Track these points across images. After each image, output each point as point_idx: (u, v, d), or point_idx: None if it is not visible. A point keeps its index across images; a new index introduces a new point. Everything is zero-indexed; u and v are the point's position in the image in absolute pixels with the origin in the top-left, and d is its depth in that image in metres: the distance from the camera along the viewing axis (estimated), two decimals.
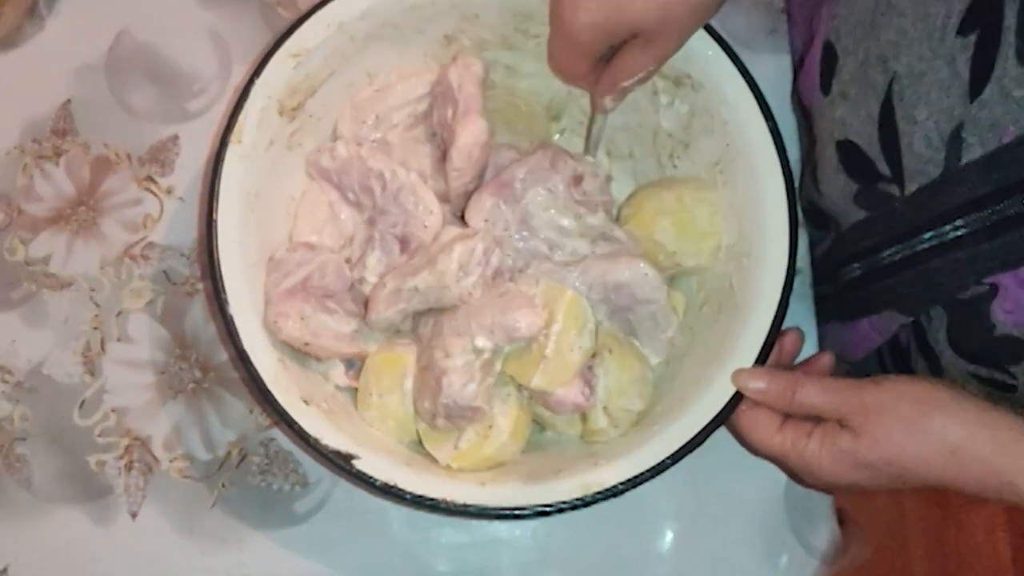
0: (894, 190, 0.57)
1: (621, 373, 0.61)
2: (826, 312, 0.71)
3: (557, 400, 0.59)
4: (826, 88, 0.61)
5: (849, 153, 0.59)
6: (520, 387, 0.61)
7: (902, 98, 0.53)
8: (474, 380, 0.57)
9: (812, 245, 0.73)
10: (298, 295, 0.61)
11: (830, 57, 0.60)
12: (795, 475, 0.59)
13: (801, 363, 0.63)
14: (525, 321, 0.57)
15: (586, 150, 0.67)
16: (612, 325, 0.63)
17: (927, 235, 0.56)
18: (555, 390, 0.58)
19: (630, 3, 0.53)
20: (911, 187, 0.55)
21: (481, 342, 0.57)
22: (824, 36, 0.61)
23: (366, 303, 0.63)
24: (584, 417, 0.62)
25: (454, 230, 0.61)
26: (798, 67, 0.74)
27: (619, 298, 0.61)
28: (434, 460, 0.61)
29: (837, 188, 0.62)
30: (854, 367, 0.73)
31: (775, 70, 0.75)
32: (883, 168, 0.56)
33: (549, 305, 0.58)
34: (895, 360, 0.67)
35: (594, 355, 0.60)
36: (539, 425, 0.64)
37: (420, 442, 0.62)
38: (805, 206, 0.71)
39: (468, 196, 0.64)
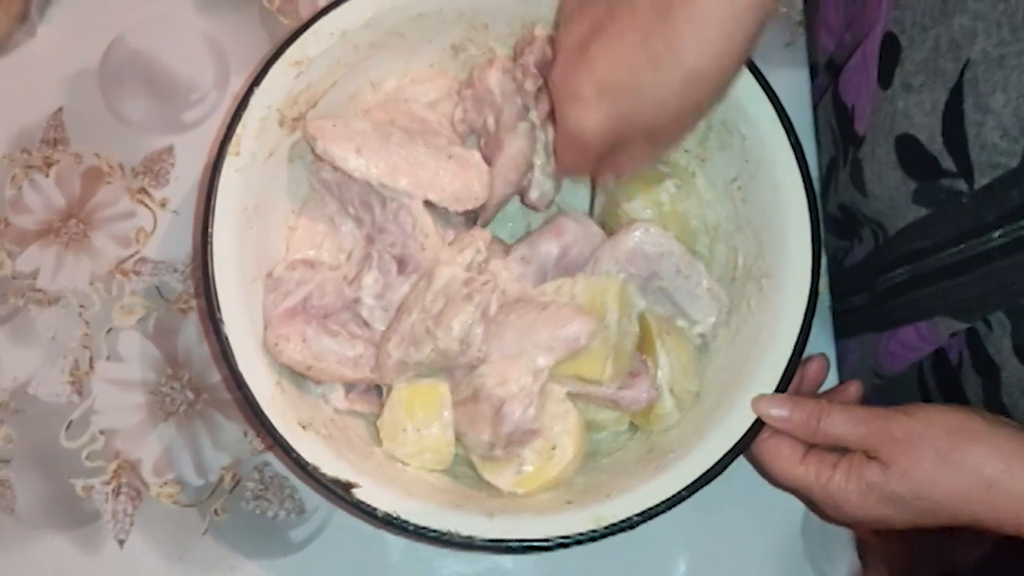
0: (960, 185, 0.54)
1: (681, 353, 0.61)
2: (853, 325, 0.69)
3: (631, 400, 0.59)
4: (886, 81, 0.58)
5: (909, 149, 0.56)
6: (575, 401, 0.60)
7: (975, 85, 0.50)
8: (533, 403, 0.57)
9: (833, 259, 0.70)
10: (299, 316, 0.58)
11: (892, 48, 0.57)
12: (818, 509, 0.56)
13: (824, 393, 0.61)
14: (584, 329, 0.56)
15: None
16: (654, 307, 0.63)
17: (996, 233, 0.52)
18: (624, 392, 0.59)
19: (638, 113, 0.51)
20: (981, 180, 0.52)
21: (543, 360, 0.57)
22: (884, 27, 0.58)
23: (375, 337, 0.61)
24: (648, 409, 0.60)
25: (445, 274, 0.58)
26: (838, 66, 0.71)
27: (639, 268, 0.61)
28: (479, 486, 0.59)
29: (891, 187, 0.59)
30: (888, 383, 0.70)
31: (793, 84, 0.72)
32: (946, 163, 0.54)
33: (596, 299, 0.58)
34: (939, 381, 0.64)
35: (652, 344, 0.60)
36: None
37: (448, 471, 0.61)
38: (832, 213, 0.69)
39: (501, 205, 0.64)
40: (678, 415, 0.60)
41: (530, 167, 0.63)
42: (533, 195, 0.64)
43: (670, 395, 0.60)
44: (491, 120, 0.62)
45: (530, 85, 0.63)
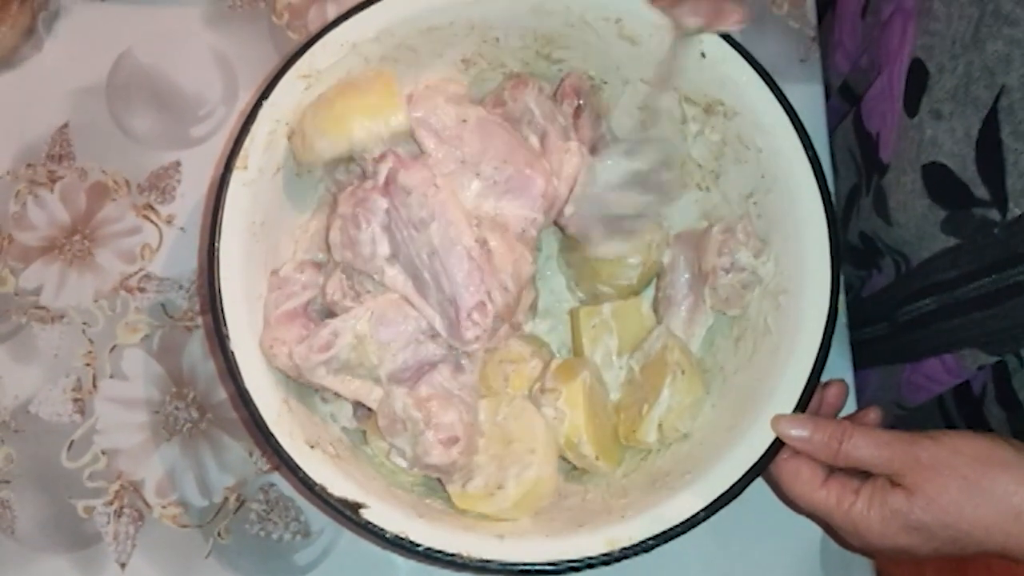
0: (993, 215, 0.53)
1: (685, 396, 0.59)
2: (872, 355, 0.67)
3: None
4: (912, 109, 0.57)
5: (938, 177, 0.55)
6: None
7: (1012, 112, 0.49)
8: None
9: (849, 288, 0.69)
10: (298, 320, 0.57)
11: (919, 75, 0.56)
12: (838, 535, 0.55)
13: (844, 417, 0.59)
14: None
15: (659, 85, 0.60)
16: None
17: None
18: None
19: None
20: (1015, 210, 0.51)
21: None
22: (910, 54, 0.57)
23: None
24: (634, 426, 0.59)
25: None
26: (857, 92, 0.70)
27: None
28: (445, 506, 0.58)
29: (918, 216, 0.58)
30: (909, 415, 0.68)
31: (807, 100, 0.72)
32: (980, 191, 0.53)
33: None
34: (962, 412, 0.62)
35: (663, 377, 0.59)
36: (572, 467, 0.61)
37: (425, 483, 0.59)
38: (851, 242, 0.67)
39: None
40: (659, 446, 0.60)
41: None
42: (568, 210, 0.62)
43: (657, 429, 0.59)
44: (533, 139, 0.61)
45: (567, 107, 0.63)
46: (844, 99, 0.75)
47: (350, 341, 0.55)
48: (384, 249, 0.56)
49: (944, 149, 0.54)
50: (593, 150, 0.63)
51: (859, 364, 0.67)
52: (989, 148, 0.51)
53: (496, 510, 0.56)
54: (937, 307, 0.60)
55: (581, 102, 0.63)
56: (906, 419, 0.69)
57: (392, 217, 0.56)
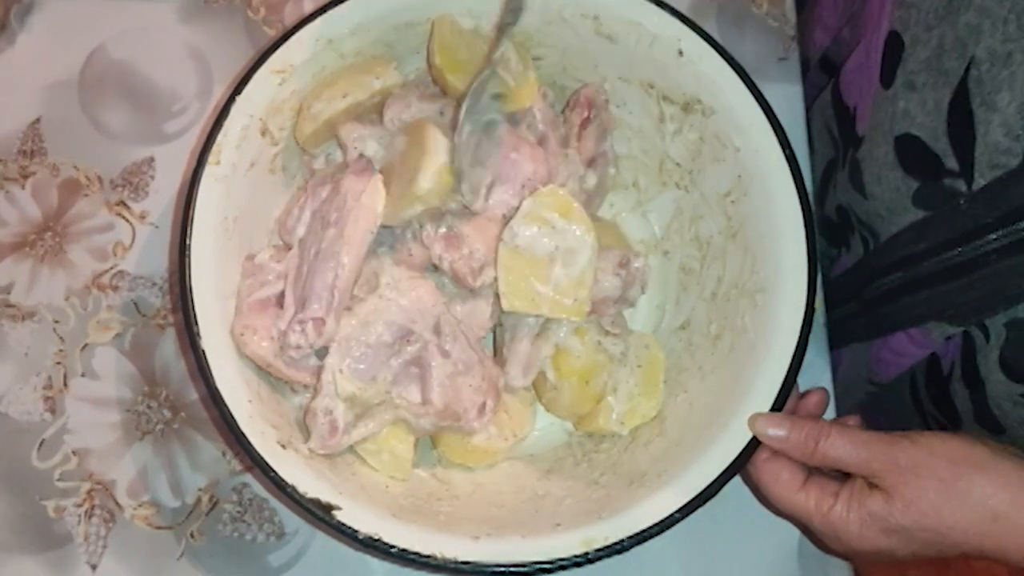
0: (960, 185, 0.53)
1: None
2: (846, 334, 0.67)
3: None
4: (887, 80, 0.57)
5: (910, 148, 0.55)
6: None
7: (980, 83, 0.49)
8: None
9: (824, 268, 0.69)
10: (270, 309, 0.57)
11: (895, 47, 0.56)
12: (817, 538, 0.54)
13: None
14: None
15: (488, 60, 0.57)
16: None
17: (994, 235, 0.51)
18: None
19: None
20: (981, 181, 0.51)
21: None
22: (888, 26, 0.57)
23: None
24: (598, 418, 0.61)
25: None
26: (836, 65, 0.70)
27: None
28: (425, 509, 0.57)
29: (891, 188, 0.58)
30: (881, 391, 0.68)
31: (785, 98, 0.72)
32: (950, 163, 0.53)
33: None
34: (932, 391, 0.62)
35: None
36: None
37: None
38: (828, 216, 0.67)
39: None
40: (624, 434, 0.61)
41: None
42: None
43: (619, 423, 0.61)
44: (531, 141, 0.61)
45: (576, 117, 0.63)
46: (824, 72, 0.75)
47: (345, 405, 0.55)
48: (301, 231, 0.58)
49: (916, 121, 0.54)
50: (591, 163, 0.63)
51: (832, 345, 0.67)
52: (960, 119, 0.51)
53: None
54: (903, 282, 0.60)
55: (590, 115, 0.63)
56: (878, 396, 0.69)
57: (322, 208, 0.57)
